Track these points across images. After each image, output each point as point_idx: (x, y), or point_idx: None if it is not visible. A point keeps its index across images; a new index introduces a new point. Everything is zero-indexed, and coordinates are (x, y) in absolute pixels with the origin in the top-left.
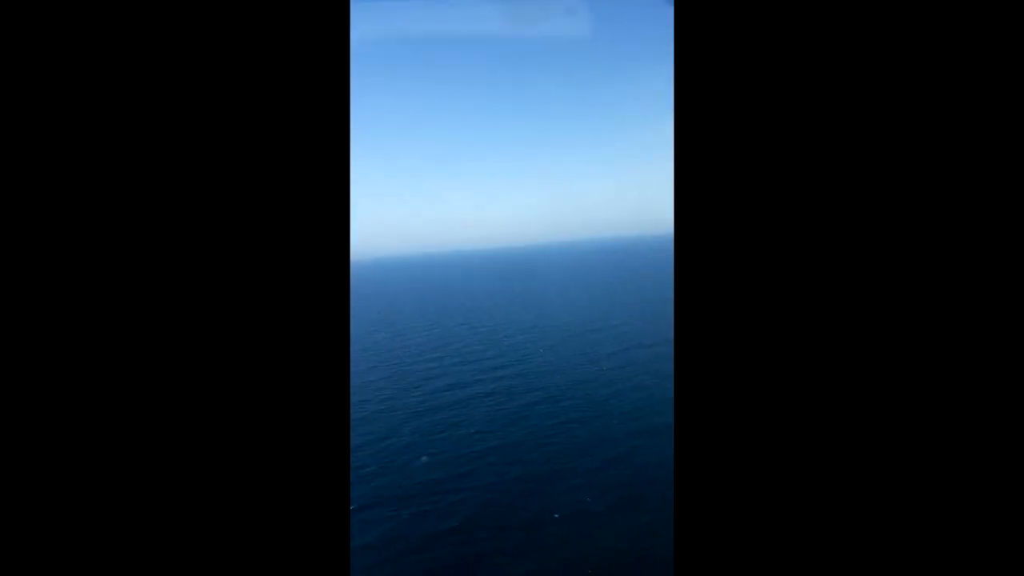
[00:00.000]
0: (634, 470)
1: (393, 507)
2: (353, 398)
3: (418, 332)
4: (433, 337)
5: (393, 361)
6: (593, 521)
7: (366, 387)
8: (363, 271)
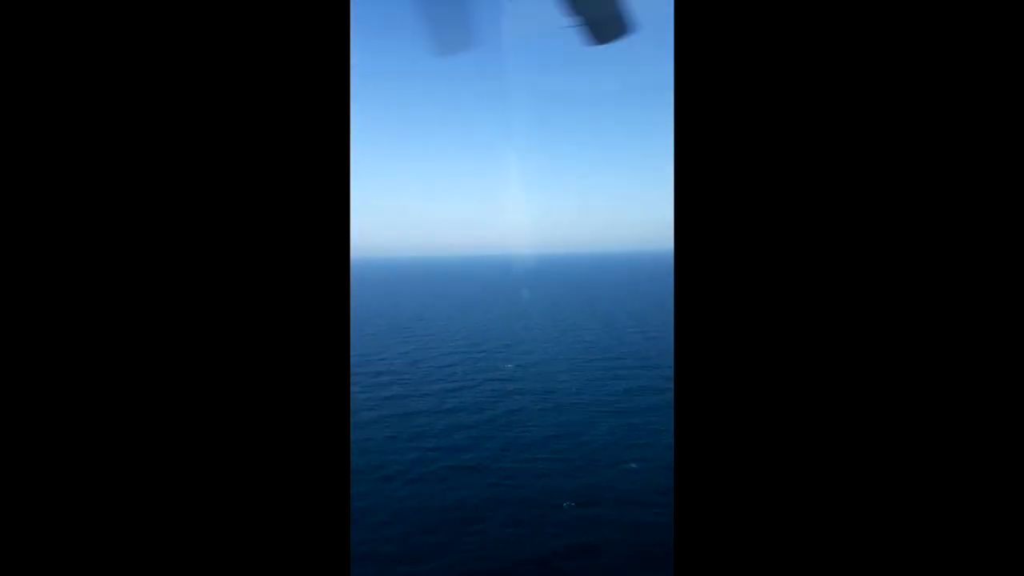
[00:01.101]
0: None
1: (614, 509)
2: (538, 387)
3: (589, 331)
4: (605, 336)
5: (569, 356)
6: None
7: (549, 378)
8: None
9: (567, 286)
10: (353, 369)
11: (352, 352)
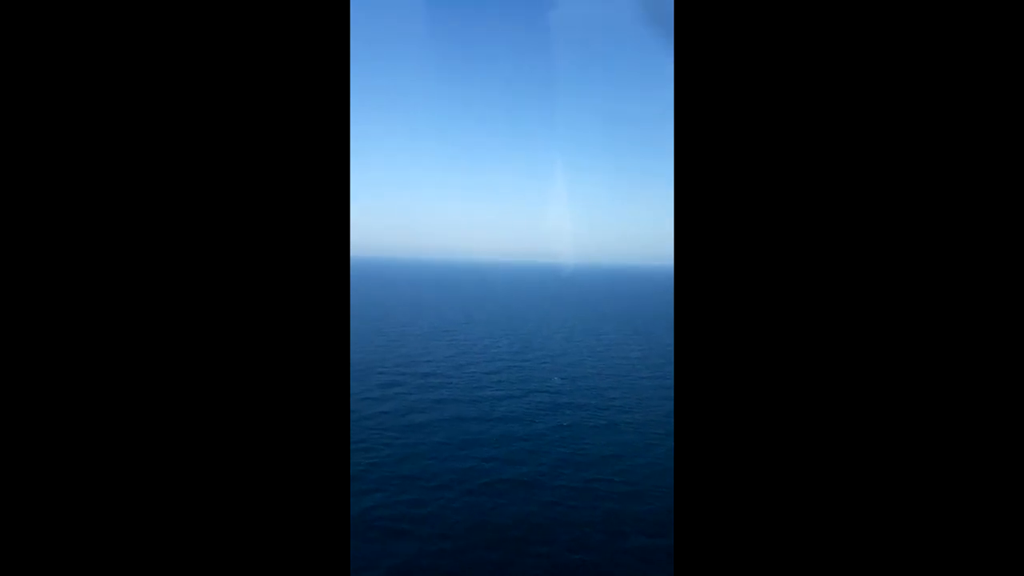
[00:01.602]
0: None
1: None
2: (589, 402)
3: (634, 347)
4: (652, 353)
5: (617, 372)
6: None
7: (599, 394)
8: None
9: (607, 298)
10: (400, 370)
11: (399, 352)
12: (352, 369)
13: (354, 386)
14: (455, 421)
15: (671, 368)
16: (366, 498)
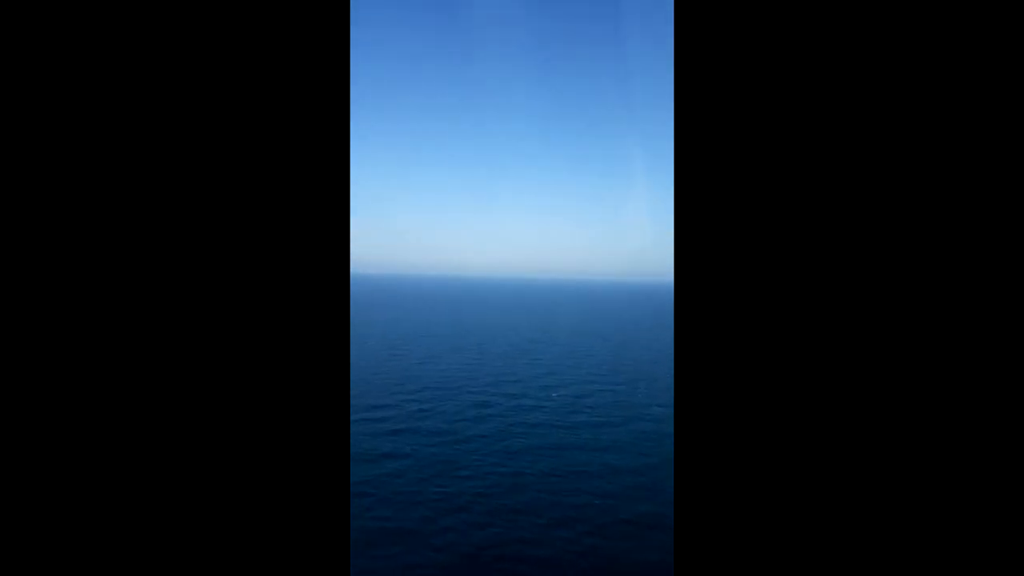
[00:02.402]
0: None
1: None
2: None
3: None
4: None
5: None
6: None
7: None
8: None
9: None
10: (489, 390)
11: (484, 371)
12: (444, 388)
13: (448, 406)
14: (557, 449)
15: None
16: (479, 532)
